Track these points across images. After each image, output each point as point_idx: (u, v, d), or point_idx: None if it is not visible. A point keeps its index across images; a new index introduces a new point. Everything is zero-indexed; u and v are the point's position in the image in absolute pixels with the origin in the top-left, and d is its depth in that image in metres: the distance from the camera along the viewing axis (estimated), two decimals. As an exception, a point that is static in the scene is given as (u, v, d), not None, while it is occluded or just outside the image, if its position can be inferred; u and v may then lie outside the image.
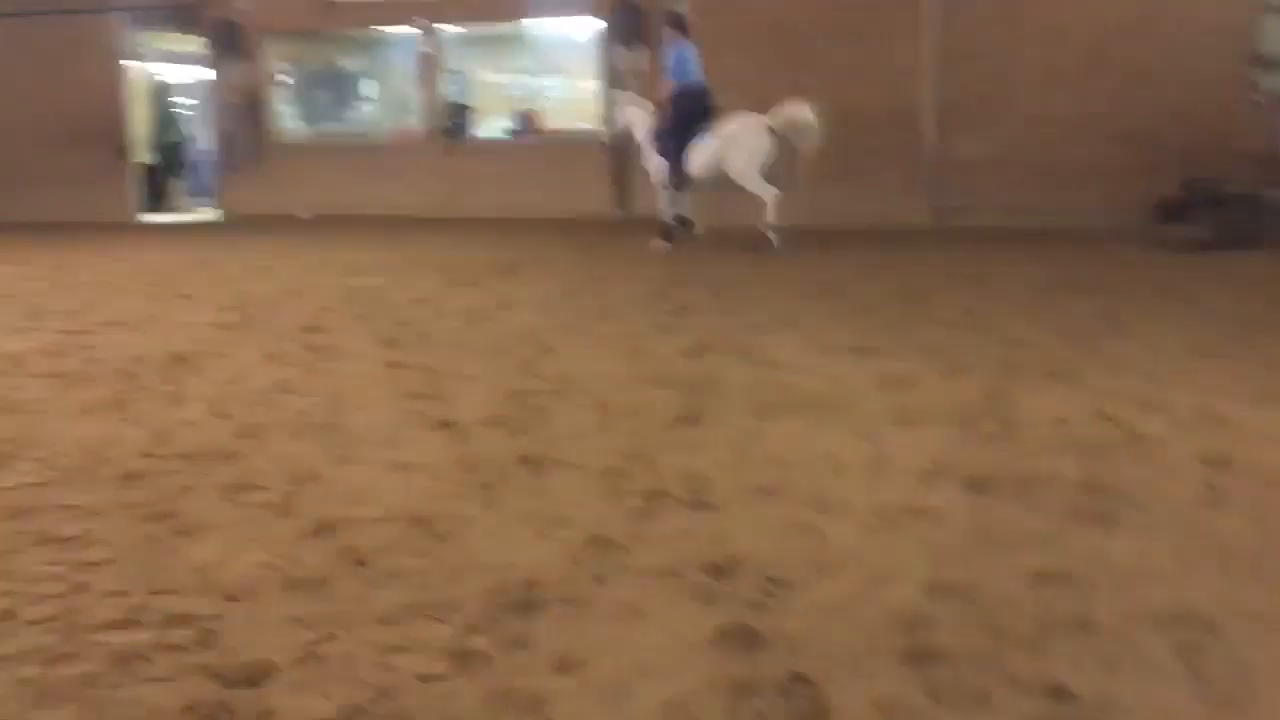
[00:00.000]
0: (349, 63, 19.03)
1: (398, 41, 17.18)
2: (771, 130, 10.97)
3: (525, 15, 15.54)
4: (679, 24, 11.41)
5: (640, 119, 11.90)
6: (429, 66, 15.83)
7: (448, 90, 16.51)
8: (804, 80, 13.48)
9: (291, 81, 17.58)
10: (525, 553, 3.62)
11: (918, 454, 4.52)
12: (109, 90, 16.53)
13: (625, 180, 14.42)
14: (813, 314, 7.77)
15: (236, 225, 15.91)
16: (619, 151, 13.82)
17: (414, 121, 16.54)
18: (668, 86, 11.38)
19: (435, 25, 15.60)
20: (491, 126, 16.54)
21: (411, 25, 15.54)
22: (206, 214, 17.35)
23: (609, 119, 12.17)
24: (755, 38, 13.66)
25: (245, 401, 5.70)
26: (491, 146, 16.06)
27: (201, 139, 18.92)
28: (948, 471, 4.31)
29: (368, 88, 19.15)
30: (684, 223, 11.88)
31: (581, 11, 14.50)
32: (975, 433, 4.82)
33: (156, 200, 17.79)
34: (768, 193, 11.03)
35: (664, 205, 11.74)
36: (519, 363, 6.40)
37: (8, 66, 16.78)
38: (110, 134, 16.58)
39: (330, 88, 18.61)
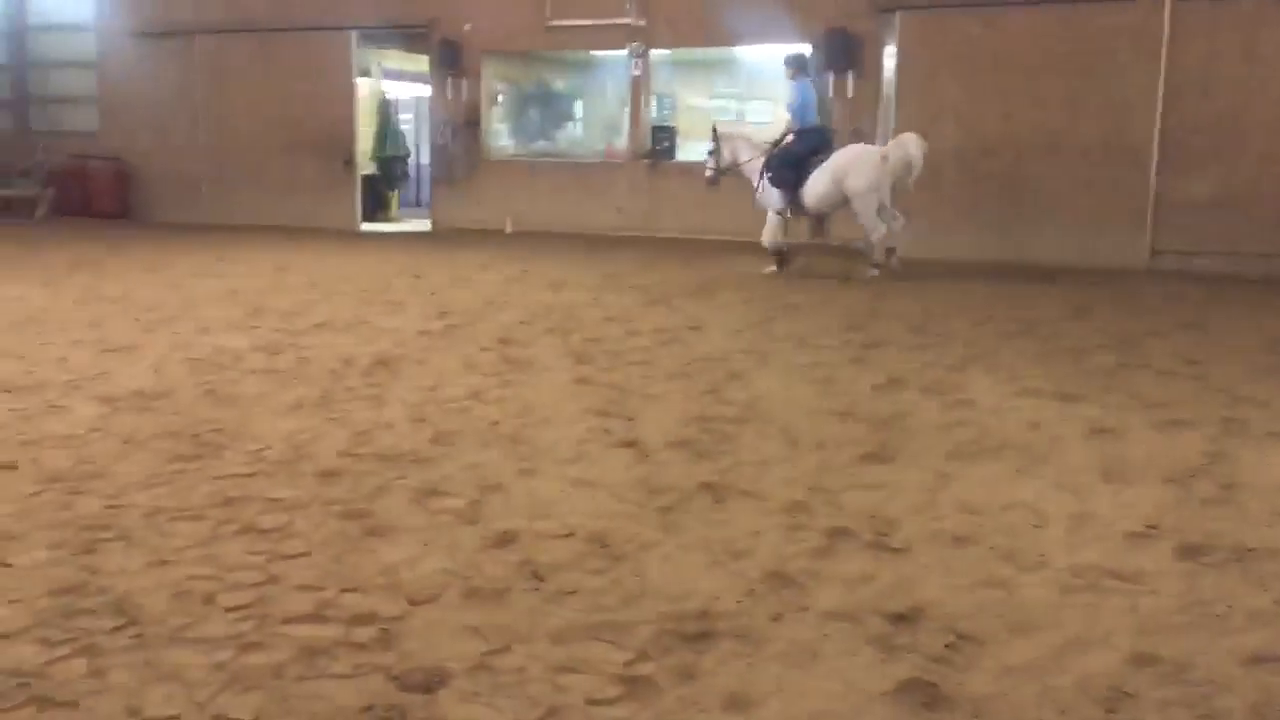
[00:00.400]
0: (561, 83, 19.54)
1: (609, 64, 17.52)
2: (885, 160, 11.24)
3: (736, 41, 15.58)
4: (802, 65, 11.87)
5: (746, 150, 12.13)
6: (638, 89, 16.06)
7: (654, 113, 16.74)
8: (1020, 111, 12.99)
9: (506, 100, 18.18)
10: (701, 582, 3.57)
11: (1126, 512, 4.23)
12: (340, 104, 17.47)
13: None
14: (1014, 354, 7.43)
15: (445, 237, 16.53)
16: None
17: (620, 142, 16.83)
18: (790, 123, 11.85)
19: (648, 49, 15.82)
20: (694, 150, 16.65)
21: (627, 50, 15.82)
22: (418, 225, 18.10)
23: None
24: (973, 66, 13.26)
25: (441, 408, 5.87)
26: (693, 169, 16.16)
27: (419, 153, 19.81)
28: (1159, 534, 4.01)
29: (577, 108, 19.60)
30: (784, 254, 12.18)
31: (791, 38, 14.42)
32: (1192, 494, 4.48)
33: (375, 210, 18.69)
34: (878, 227, 11.32)
35: (771, 234, 11.98)
36: (707, 386, 6.37)
37: (248, 79, 17.98)
38: (339, 146, 17.52)
39: (542, 107, 19.15)
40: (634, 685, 2.89)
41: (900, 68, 13.69)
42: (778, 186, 11.74)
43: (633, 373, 6.74)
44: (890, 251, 11.54)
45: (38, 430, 5.32)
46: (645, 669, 2.97)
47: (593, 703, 2.80)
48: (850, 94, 14.22)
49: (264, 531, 4.00)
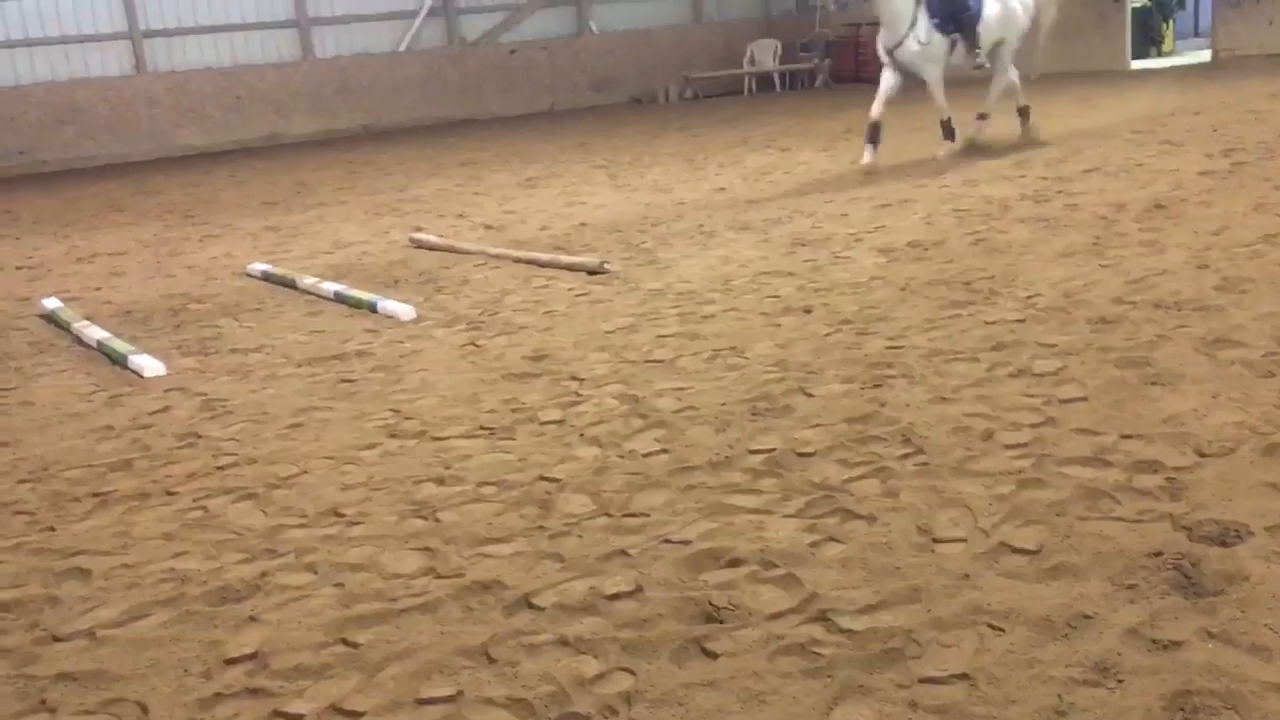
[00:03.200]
0: None
1: None
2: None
3: None
4: None
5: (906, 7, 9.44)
6: None
7: None
8: None
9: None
10: None
11: None
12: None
13: None
14: None
15: (1228, 67, 14.72)
16: None
17: None
18: None
19: None
20: None
21: None
22: (1196, 56, 16.34)
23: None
24: None
25: (1228, 254, 5.33)
26: None
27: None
28: None
29: None
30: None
31: None
32: None
33: (1146, 45, 17.26)
34: (1012, 73, 10.02)
35: (941, 101, 9.85)
36: None
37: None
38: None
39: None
40: None
41: None
42: (945, 31, 9.54)
43: None
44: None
45: (828, 279, 5.88)
46: None
47: None
48: None
49: (1038, 376, 4.01)
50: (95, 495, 3.77)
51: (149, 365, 5.28)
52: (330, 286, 6.67)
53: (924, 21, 9.17)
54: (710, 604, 2.64)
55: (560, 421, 4.08)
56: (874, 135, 9.52)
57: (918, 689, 2.24)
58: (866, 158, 9.56)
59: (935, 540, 2.86)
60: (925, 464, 3.35)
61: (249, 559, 3.16)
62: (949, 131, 9.82)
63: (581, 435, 3.92)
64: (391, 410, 4.40)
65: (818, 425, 3.77)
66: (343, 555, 3.13)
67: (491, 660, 2.51)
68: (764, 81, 21.79)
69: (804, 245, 6.80)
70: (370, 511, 3.42)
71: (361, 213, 10.29)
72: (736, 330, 5.07)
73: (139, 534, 3.41)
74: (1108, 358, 4.10)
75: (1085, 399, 3.72)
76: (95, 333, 5.95)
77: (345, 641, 2.65)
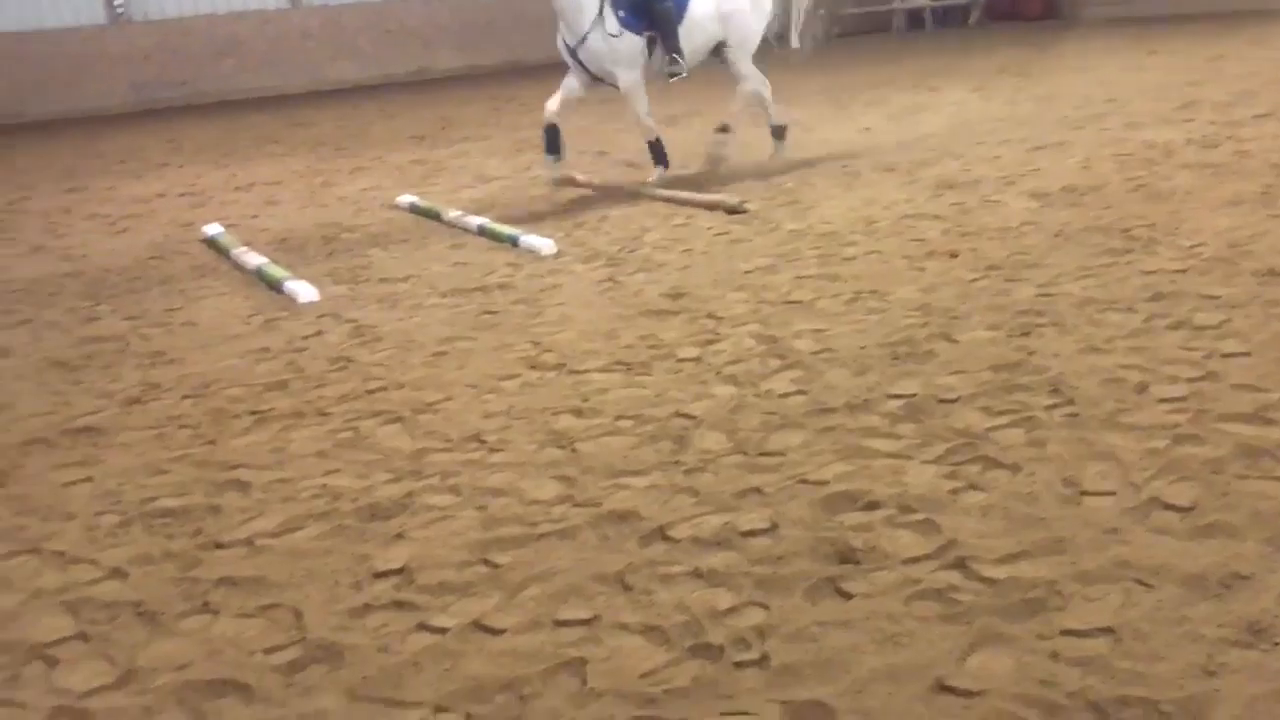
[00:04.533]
0: None
1: None
2: None
3: None
4: None
5: None
6: None
7: None
8: None
9: None
10: None
11: None
12: None
13: None
14: None
15: None
16: None
17: None
18: None
19: None
20: None
21: None
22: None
23: None
24: None
25: None
26: None
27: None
28: None
29: None
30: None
31: None
32: None
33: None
34: (762, 82, 7.95)
35: (643, 115, 7.79)
36: None
37: None
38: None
39: None
40: None
41: None
42: (637, 30, 7.37)
43: None
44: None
45: (975, 223, 5.71)
46: None
47: None
48: None
49: (1199, 328, 3.83)
50: (253, 413, 3.95)
51: (303, 291, 5.48)
52: (474, 220, 6.79)
53: (611, 14, 7.22)
54: (846, 545, 2.63)
55: (697, 359, 4.09)
56: (552, 142, 7.68)
57: (1059, 640, 2.19)
58: (546, 170, 8.03)
59: (1083, 493, 2.78)
60: (1074, 415, 3.25)
61: (396, 479, 3.27)
62: (658, 154, 7.81)
63: (718, 373, 3.93)
64: (531, 342, 4.48)
65: (961, 372, 3.69)
66: (484, 480, 3.21)
67: (627, 588, 2.55)
68: (914, 19, 21.12)
69: (951, 188, 6.61)
70: (510, 439, 3.50)
71: (505, 148, 10.41)
72: (878, 273, 4.98)
73: (294, 451, 3.57)
74: (1274, 312, 3.90)
75: (1248, 354, 3.55)
76: (253, 259, 6.20)
77: (487, 562, 2.73)
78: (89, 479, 3.48)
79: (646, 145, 7.86)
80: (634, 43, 7.32)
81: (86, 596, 2.73)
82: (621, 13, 7.22)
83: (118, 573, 2.85)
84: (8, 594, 2.79)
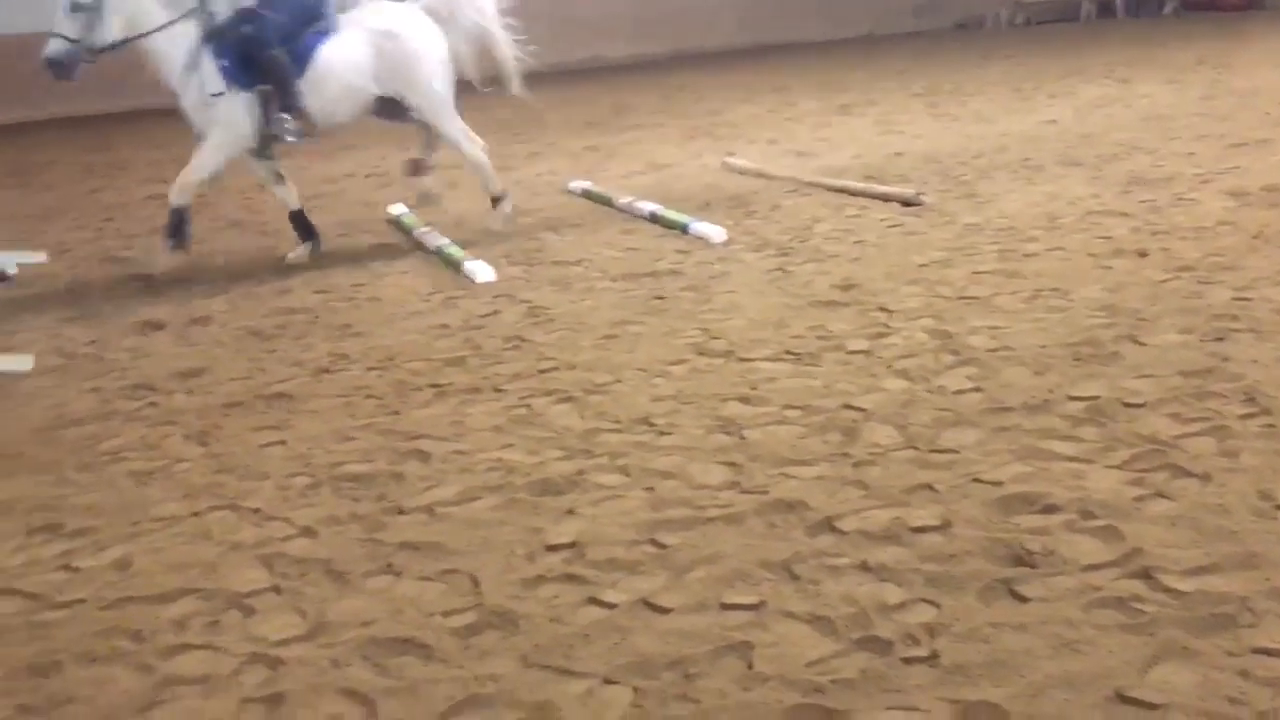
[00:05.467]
0: None
1: None
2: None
3: None
4: None
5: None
6: None
7: None
8: None
9: None
10: None
11: None
12: None
13: None
14: None
15: None
16: None
17: None
18: None
19: None
20: None
21: None
22: None
23: None
24: None
25: None
26: None
27: None
28: None
29: None
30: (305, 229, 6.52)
31: None
32: None
33: None
34: (474, 143, 6.62)
35: (207, 170, 6.14)
36: None
37: None
38: None
39: None
40: None
41: None
42: (244, 84, 5.94)
43: None
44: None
45: (1167, 221, 5.45)
46: None
47: None
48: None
49: None
50: (433, 386, 4.10)
51: (481, 271, 5.65)
52: (646, 206, 6.86)
53: (210, 65, 5.83)
54: (1022, 547, 2.57)
55: (867, 352, 4.05)
56: (176, 227, 6.05)
57: (1249, 658, 2.10)
58: (162, 261, 6.25)
59: (1278, 506, 2.64)
60: (1271, 425, 3.09)
61: (567, 456, 3.35)
62: (173, 230, 6.04)
63: (889, 367, 3.88)
64: (700, 329, 4.51)
65: (1148, 376, 3.54)
66: (653, 462, 3.26)
67: (794, 576, 2.56)
68: (1105, 7, 20.25)
69: (1141, 184, 6.32)
70: (679, 423, 3.54)
71: (676, 135, 10.47)
72: (1061, 271, 4.82)
73: (471, 424, 3.69)
74: None
75: None
76: (434, 239, 6.43)
77: (655, 542, 2.78)
78: (282, 442, 3.68)
79: (169, 214, 6.05)
80: (239, 101, 5.91)
81: (279, 552, 2.91)
82: (225, 62, 5.84)
83: (308, 531, 3.01)
84: (208, 545, 2.99)
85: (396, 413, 3.86)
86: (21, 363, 4.76)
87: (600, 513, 2.96)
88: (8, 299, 6.03)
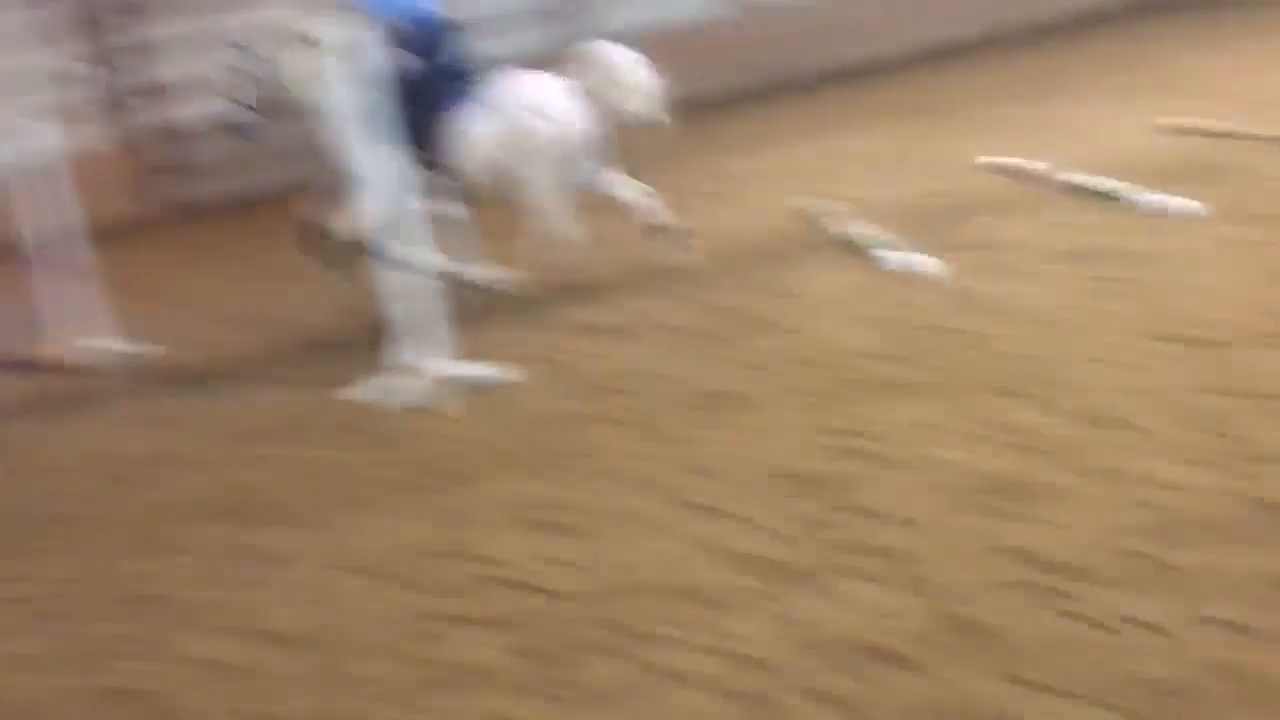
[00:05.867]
0: None
1: None
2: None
3: None
4: None
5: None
6: None
7: None
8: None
9: None
10: None
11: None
12: None
13: None
14: None
15: None
16: None
17: None
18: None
19: None
20: None
21: None
22: None
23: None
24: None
25: None
26: None
27: None
28: None
29: None
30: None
31: None
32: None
33: None
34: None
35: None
36: None
37: None
38: None
39: None
40: None
41: None
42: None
43: None
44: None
45: None
46: None
47: None
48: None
49: None
50: (873, 382, 4.04)
51: (913, 261, 5.48)
52: (1091, 181, 6.33)
53: None
54: None
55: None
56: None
57: None
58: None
59: None
60: None
61: (1025, 456, 3.20)
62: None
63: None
64: (1169, 314, 4.11)
65: None
66: (1125, 463, 3.04)
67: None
68: None
69: None
70: (1153, 419, 3.27)
71: (1127, 99, 9.55)
72: None
73: (914, 421, 3.60)
74: None
75: None
76: (860, 229, 6.29)
77: (1135, 552, 2.60)
78: (731, 441, 3.77)
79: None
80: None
81: (735, 550, 2.97)
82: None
83: (762, 529, 3.06)
84: (666, 540, 3.12)
85: (836, 411, 3.84)
86: (507, 373, 5.13)
87: (1068, 519, 2.80)
88: (482, 308, 6.57)
